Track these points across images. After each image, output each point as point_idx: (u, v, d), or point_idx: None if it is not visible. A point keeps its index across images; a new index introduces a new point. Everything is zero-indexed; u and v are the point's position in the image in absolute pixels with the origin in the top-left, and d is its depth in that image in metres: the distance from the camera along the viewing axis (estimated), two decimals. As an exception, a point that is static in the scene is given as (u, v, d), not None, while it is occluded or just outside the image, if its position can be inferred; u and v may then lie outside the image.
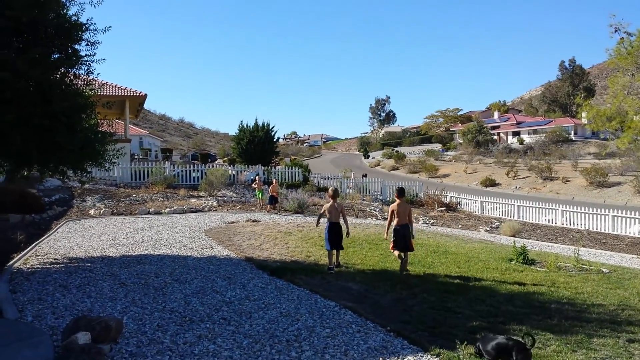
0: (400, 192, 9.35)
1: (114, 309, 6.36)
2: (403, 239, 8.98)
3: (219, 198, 20.71)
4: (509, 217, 22.68)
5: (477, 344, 5.00)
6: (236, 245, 11.32)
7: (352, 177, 34.54)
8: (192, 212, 17.14)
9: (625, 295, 8.17)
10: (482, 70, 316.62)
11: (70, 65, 8.46)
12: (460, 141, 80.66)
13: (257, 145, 35.55)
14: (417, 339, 5.61)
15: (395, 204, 9.17)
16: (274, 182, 19.59)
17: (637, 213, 18.91)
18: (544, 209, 22.16)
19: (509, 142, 78.83)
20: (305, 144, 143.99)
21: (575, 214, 20.74)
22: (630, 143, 15.02)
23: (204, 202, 18.90)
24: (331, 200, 9.49)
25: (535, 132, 76.35)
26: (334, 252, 9.28)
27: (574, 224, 20.54)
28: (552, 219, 21.49)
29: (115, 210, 16.57)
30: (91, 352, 4.43)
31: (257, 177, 20.67)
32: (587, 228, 19.74)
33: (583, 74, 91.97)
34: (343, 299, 7.18)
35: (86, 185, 18.51)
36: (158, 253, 10.16)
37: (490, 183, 46.69)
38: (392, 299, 7.31)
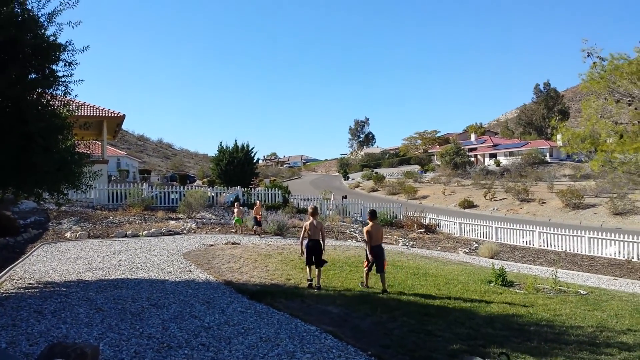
0: (372, 214, 9.89)
1: (90, 334, 6.22)
2: (378, 259, 9.41)
3: (198, 220, 20.52)
4: (488, 239, 22.86)
5: None
6: (215, 268, 11.19)
7: (332, 199, 34.60)
8: (171, 234, 16.94)
9: (603, 317, 8.25)
10: (458, 93, 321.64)
11: (47, 86, 8.38)
12: (439, 163, 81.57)
13: (236, 166, 35.40)
14: (398, 363, 5.58)
15: (369, 225, 9.66)
16: (257, 204, 19.08)
17: (612, 234, 19.22)
18: (521, 231, 22.40)
19: (486, 164, 79.85)
20: (285, 165, 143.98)
21: (552, 235, 21.00)
22: (603, 165, 15.28)
23: (183, 225, 18.70)
24: (311, 218, 9.75)
25: (511, 154, 77.55)
26: (315, 270, 9.48)
27: (551, 245, 20.78)
28: (529, 241, 21.72)
29: (91, 233, 16.30)
30: (66, 381, 4.31)
31: (236, 204, 19.59)
32: (564, 249, 19.98)
33: (557, 97, 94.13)
34: (323, 322, 7.13)
35: (62, 208, 18.20)
36: (135, 277, 9.99)
37: (468, 204, 47.12)
38: (372, 323, 7.28)
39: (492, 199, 48.01)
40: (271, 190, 28.81)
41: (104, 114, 27.12)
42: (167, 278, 9.99)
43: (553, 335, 6.93)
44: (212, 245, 14.60)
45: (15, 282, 9.18)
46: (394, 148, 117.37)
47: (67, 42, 8.45)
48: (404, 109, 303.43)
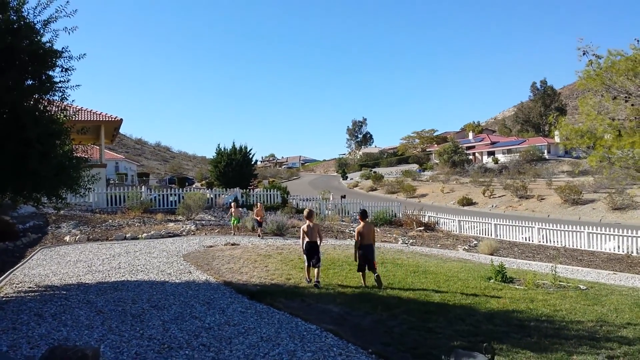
0: (363, 214, 10.09)
1: (91, 337, 6.23)
2: (364, 259, 9.58)
3: (197, 222, 20.53)
4: (487, 236, 22.88)
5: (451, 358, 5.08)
6: (215, 269, 11.20)
7: (331, 199, 34.62)
8: (170, 236, 16.94)
9: (603, 312, 8.27)
10: (456, 92, 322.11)
11: (44, 92, 8.39)
12: (437, 161, 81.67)
13: (235, 168, 35.43)
14: (398, 360, 5.59)
15: (360, 225, 9.82)
16: (259, 206, 18.62)
17: (611, 229, 19.25)
18: (520, 227, 22.41)
19: (484, 161, 79.92)
20: (283, 166, 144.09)
21: (551, 231, 21.02)
22: (601, 161, 15.33)
23: (182, 227, 18.71)
24: (307, 221, 9.86)
25: (509, 151, 77.66)
26: (314, 270, 9.59)
27: (550, 241, 20.79)
28: (529, 237, 21.74)
29: (91, 237, 16.30)
30: (67, 383, 4.32)
31: (232, 204, 19.55)
32: (563, 245, 20.00)
33: (554, 95, 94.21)
34: (324, 321, 7.13)
35: (61, 212, 18.23)
36: (135, 279, 9.99)
37: (467, 202, 47.17)
38: (373, 321, 7.29)
39: (491, 197, 48.05)
40: (270, 192, 28.84)
41: (101, 119, 27.12)
42: (167, 280, 9.99)
43: (553, 331, 6.95)
44: (211, 246, 14.60)
45: (16, 286, 9.19)
46: (392, 147, 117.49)
47: (63, 48, 8.47)
48: (402, 109, 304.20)
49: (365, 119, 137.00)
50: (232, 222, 18.42)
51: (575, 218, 35.10)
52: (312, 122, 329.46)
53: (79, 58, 8.80)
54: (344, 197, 37.14)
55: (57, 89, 8.58)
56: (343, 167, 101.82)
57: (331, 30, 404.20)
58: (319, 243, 9.80)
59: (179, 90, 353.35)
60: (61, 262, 11.86)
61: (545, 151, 72.99)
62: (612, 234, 18.84)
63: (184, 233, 17.67)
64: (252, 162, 38.00)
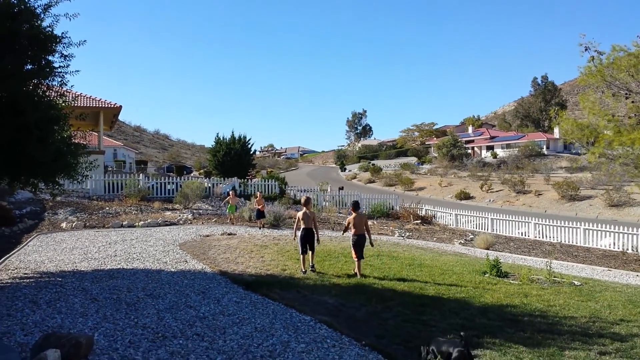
0: (355, 205, 10.42)
1: (85, 325, 6.23)
2: (359, 248, 9.90)
3: (194, 211, 20.53)
4: (483, 230, 22.91)
5: (431, 347, 5.13)
6: (211, 259, 11.21)
7: (329, 190, 34.62)
8: (167, 225, 16.93)
9: (596, 308, 8.30)
10: (456, 86, 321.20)
11: (43, 77, 8.36)
12: (436, 155, 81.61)
13: (233, 157, 35.34)
14: (391, 353, 5.62)
15: (352, 216, 10.19)
16: (258, 195, 18.57)
17: (608, 226, 19.29)
18: (517, 222, 22.45)
19: (483, 156, 79.90)
20: (282, 157, 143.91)
21: (547, 227, 21.07)
22: (600, 157, 15.35)
23: (179, 215, 18.71)
24: (304, 208, 10.21)
25: (508, 146, 77.61)
26: (308, 255, 10.01)
27: (546, 236, 20.84)
28: (525, 232, 21.78)
29: (87, 224, 16.29)
30: (60, 369, 4.33)
31: (230, 192, 19.34)
32: (559, 241, 20.04)
33: (555, 90, 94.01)
34: (318, 313, 7.16)
35: (58, 198, 18.23)
36: (131, 267, 10.00)
37: (464, 196, 47.20)
38: (367, 313, 7.32)
39: (489, 191, 48.10)
40: (268, 182, 28.80)
41: (100, 105, 27.03)
42: (162, 268, 10.01)
43: (546, 326, 6.98)
44: (208, 235, 14.62)
45: (11, 272, 9.18)
46: (391, 140, 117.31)
47: (62, 33, 8.43)
48: (402, 102, 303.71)
49: (365, 111, 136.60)
50: (228, 209, 18.40)
51: (572, 214, 35.16)
52: (312, 113, 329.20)
53: (79, 44, 8.77)
54: (341, 188, 37.13)
55: (56, 74, 8.56)
56: (342, 158, 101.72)
57: (332, 22, 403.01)
58: (314, 230, 10.09)
59: (179, 79, 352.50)
60: (57, 249, 11.86)
61: (544, 147, 73.00)
62: (608, 231, 18.88)
63: (180, 222, 17.67)
64: (251, 152, 37.89)
